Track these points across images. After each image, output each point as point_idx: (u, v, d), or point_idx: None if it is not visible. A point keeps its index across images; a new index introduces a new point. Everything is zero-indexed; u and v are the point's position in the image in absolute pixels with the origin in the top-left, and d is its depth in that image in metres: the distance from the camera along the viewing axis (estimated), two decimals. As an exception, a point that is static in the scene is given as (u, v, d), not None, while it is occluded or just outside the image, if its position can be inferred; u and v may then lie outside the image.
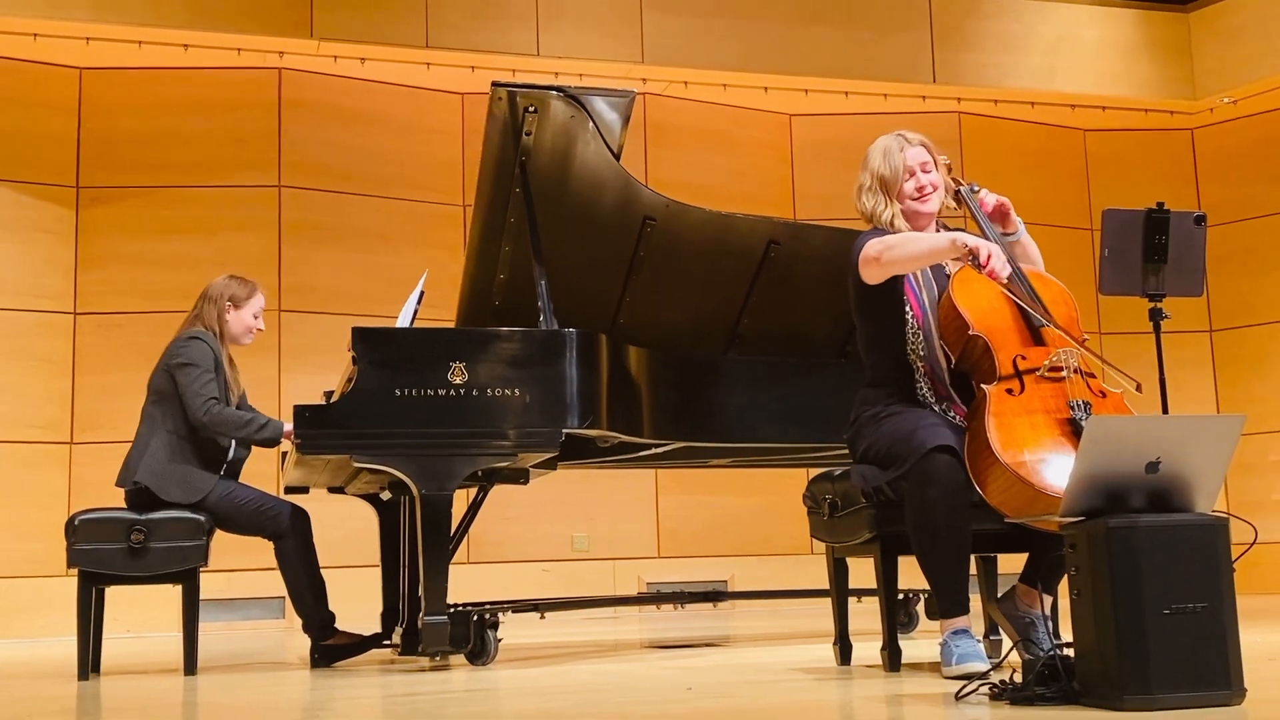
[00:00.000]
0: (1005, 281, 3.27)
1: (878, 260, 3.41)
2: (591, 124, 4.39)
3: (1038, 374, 3.24)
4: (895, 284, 3.47)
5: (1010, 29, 8.81)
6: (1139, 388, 3.25)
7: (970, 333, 3.32)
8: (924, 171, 3.57)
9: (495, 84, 4.25)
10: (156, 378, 4.49)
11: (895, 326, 3.46)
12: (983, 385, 3.26)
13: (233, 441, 4.50)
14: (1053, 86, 8.87)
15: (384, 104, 8.27)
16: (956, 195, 3.65)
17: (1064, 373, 3.25)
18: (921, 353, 3.43)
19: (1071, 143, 9.40)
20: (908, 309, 3.44)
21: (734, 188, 8.57)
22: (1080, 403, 3.18)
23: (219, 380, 4.46)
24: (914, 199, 3.56)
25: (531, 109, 4.27)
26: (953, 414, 3.38)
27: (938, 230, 3.62)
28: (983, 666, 3.10)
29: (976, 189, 3.64)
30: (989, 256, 3.23)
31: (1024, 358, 3.28)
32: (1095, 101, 9.04)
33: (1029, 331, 3.35)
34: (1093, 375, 3.33)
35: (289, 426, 4.19)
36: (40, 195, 7.67)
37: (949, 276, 3.45)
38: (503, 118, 4.29)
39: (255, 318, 4.67)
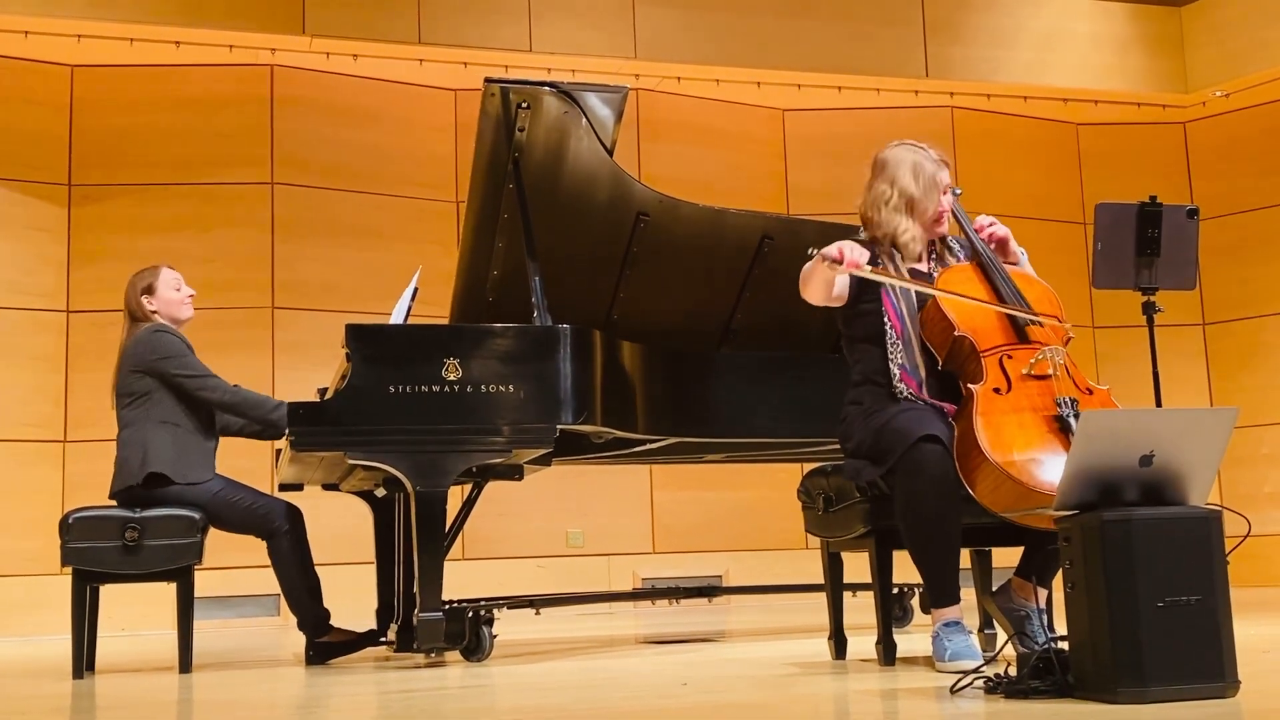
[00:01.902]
0: (867, 267, 3.33)
1: (802, 290, 3.57)
2: (584, 120, 4.39)
3: (1024, 372, 3.25)
4: (873, 298, 3.47)
5: (1002, 23, 8.81)
6: (1051, 323, 3.36)
7: (956, 333, 3.34)
8: (943, 195, 3.56)
9: (488, 80, 4.25)
10: (127, 381, 4.42)
11: (875, 336, 3.47)
12: (969, 385, 3.26)
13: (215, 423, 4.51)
14: (1045, 80, 8.88)
15: (377, 100, 8.26)
16: None
17: (1050, 370, 3.26)
18: (900, 361, 3.43)
19: (1064, 137, 9.41)
20: (886, 321, 3.45)
21: (727, 183, 8.57)
22: (1067, 400, 3.19)
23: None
24: (935, 222, 3.54)
25: (524, 105, 4.27)
26: None
27: (932, 245, 3.61)
28: (975, 663, 3.10)
29: (959, 192, 3.64)
30: (840, 251, 3.30)
31: (1010, 357, 3.29)
32: (1088, 95, 9.05)
33: (1014, 331, 3.37)
34: (1072, 363, 3.34)
35: None
36: (32, 193, 7.66)
37: (932, 280, 3.45)
38: (496, 114, 4.28)
39: (178, 290, 4.59)
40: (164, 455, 4.32)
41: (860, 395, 3.51)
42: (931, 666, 3.30)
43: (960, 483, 3.18)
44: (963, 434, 3.18)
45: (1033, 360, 3.26)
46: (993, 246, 3.55)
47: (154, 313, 4.53)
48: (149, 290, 4.55)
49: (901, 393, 3.40)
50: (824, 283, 3.46)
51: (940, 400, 3.38)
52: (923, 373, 3.42)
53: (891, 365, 3.42)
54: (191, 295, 4.64)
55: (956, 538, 3.26)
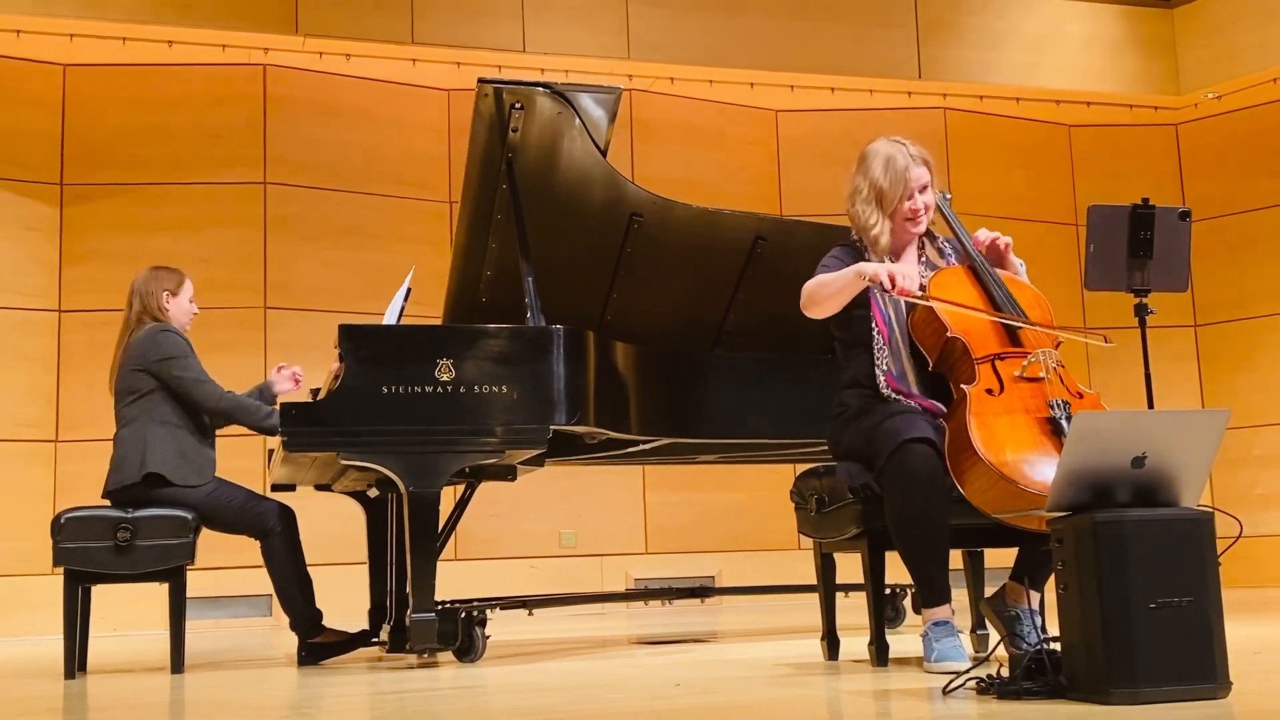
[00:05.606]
0: (918, 294, 3.30)
1: (810, 304, 3.50)
2: (578, 120, 4.39)
3: (1016, 374, 3.26)
4: (864, 303, 3.47)
5: (995, 25, 8.83)
6: (1106, 339, 3.33)
7: (948, 335, 3.35)
8: (921, 193, 3.53)
9: (481, 80, 4.25)
10: (128, 379, 4.43)
11: (863, 341, 3.49)
12: (962, 385, 3.27)
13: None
14: (1038, 82, 8.89)
15: (370, 100, 8.25)
16: None
17: (1042, 373, 3.27)
18: (885, 366, 3.44)
19: (1057, 138, 9.42)
20: (873, 327, 3.45)
21: (721, 184, 8.57)
22: (1059, 402, 3.20)
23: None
24: (908, 219, 3.54)
25: (518, 105, 4.27)
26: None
27: (921, 244, 3.62)
28: (962, 666, 3.10)
29: (949, 196, 3.65)
30: (891, 278, 3.27)
31: (1002, 358, 3.31)
32: (1080, 97, 9.06)
33: (1006, 333, 3.38)
34: (1063, 366, 3.34)
35: None
36: (24, 192, 7.64)
37: (923, 287, 3.44)
38: (489, 114, 4.28)
39: (191, 302, 4.64)
40: (163, 456, 4.33)
41: (847, 398, 3.53)
42: (924, 667, 3.30)
43: (948, 483, 3.19)
44: (955, 434, 3.19)
45: (1025, 363, 3.28)
46: (983, 250, 3.56)
47: (166, 311, 4.55)
48: (171, 290, 4.57)
49: (888, 396, 3.41)
50: (846, 299, 3.42)
51: (930, 400, 3.39)
52: (911, 377, 3.44)
53: (878, 371, 3.44)
54: (196, 313, 4.69)
55: (945, 538, 3.27)
